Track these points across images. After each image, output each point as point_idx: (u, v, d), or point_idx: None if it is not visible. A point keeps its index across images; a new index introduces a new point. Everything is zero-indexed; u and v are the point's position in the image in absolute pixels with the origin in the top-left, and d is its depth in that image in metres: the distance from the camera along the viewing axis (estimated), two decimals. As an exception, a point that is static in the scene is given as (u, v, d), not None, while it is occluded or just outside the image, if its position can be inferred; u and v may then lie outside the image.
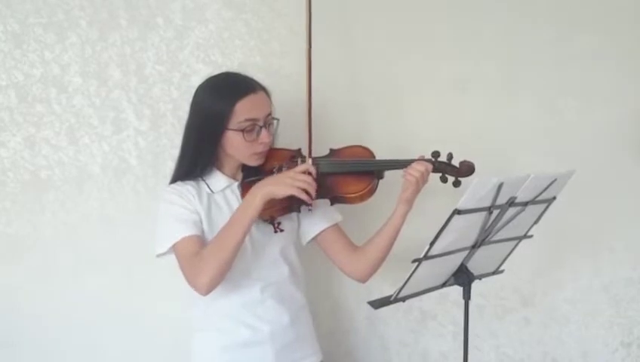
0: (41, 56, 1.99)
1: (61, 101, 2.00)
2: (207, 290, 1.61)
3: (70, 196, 2.03)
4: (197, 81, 2.01)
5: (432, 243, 1.53)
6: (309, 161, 1.70)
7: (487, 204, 1.52)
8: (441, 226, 1.50)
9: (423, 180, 1.69)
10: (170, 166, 2.01)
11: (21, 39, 1.97)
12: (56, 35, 1.99)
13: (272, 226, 1.76)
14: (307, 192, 1.60)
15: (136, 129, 2.05)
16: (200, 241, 1.66)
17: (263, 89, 1.74)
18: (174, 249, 1.67)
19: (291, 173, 1.62)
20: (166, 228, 1.69)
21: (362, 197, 1.73)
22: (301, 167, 1.65)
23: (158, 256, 1.70)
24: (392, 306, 2.04)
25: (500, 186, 1.49)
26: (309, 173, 1.64)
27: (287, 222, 1.79)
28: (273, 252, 1.76)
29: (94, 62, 2.01)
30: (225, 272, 1.61)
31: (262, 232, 1.75)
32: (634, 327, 2.33)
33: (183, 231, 1.66)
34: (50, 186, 2.02)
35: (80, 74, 2.00)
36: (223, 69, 1.94)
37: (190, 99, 1.79)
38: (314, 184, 1.62)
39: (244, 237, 1.60)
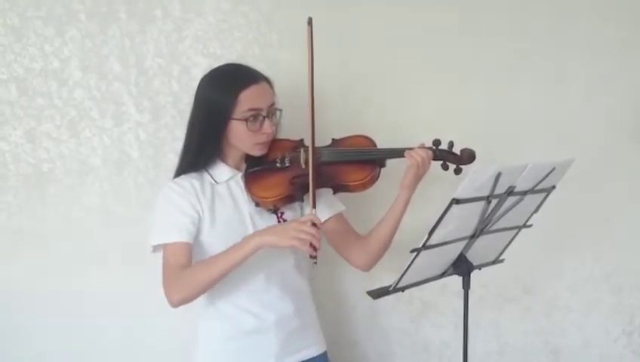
0: (41, 49, 1.99)
1: (62, 94, 2.01)
2: (175, 305, 1.65)
3: (72, 189, 2.04)
4: (197, 73, 2.02)
5: (430, 233, 1.53)
6: (314, 211, 1.62)
7: (486, 193, 1.52)
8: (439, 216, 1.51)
9: (423, 166, 1.70)
10: (171, 158, 2.03)
11: (21, 33, 1.98)
12: (56, 29, 1.99)
13: (275, 216, 1.78)
14: (312, 245, 1.56)
15: (136, 121, 2.05)
16: (188, 250, 1.68)
17: (266, 79, 1.75)
18: (163, 251, 1.70)
19: (295, 224, 1.58)
20: (159, 228, 1.71)
21: (365, 185, 1.74)
22: (305, 218, 1.61)
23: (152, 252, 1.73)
24: (393, 297, 2.05)
25: (498, 176, 1.49)
26: (314, 224, 1.58)
27: (291, 212, 1.81)
28: None
29: (94, 56, 2.01)
30: (197, 295, 1.65)
31: (265, 222, 1.76)
32: (635, 316, 2.33)
33: (174, 236, 1.68)
34: (51, 179, 2.02)
35: (80, 67, 2.01)
36: (222, 61, 1.94)
37: (190, 91, 1.79)
38: (318, 236, 1.57)
39: (224, 274, 1.61)
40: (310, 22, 1.70)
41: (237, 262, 1.59)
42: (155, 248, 1.71)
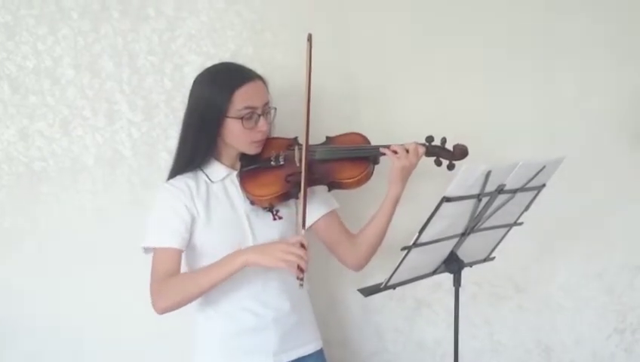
0: (33, 47, 1.99)
1: (54, 93, 2.01)
2: (160, 313, 1.67)
3: (64, 188, 2.04)
4: (189, 71, 2.02)
5: (421, 231, 1.54)
6: (302, 231, 1.62)
7: (476, 191, 1.53)
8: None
9: (407, 158, 1.71)
10: (164, 156, 2.04)
11: (13, 31, 1.98)
12: (48, 27, 1.99)
13: (270, 214, 1.78)
14: (299, 267, 1.56)
15: (129, 120, 2.05)
16: (177, 257, 1.70)
17: (261, 78, 1.76)
18: (153, 253, 1.71)
19: (284, 245, 1.59)
20: (152, 230, 1.72)
21: (359, 182, 1.76)
22: (294, 239, 1.60)
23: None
24: (386, 295, 2.06)
25: (489, 174, 1.49)
26: (302, 246, 1.58)
27: (285, 209, 1.81)
28: (273, 239, 1.76)
29: (87, 54, 2.01)
30: (181, 306, 1.67)
31: (261, 220, 1.77)
32: (627, 314, 2.34)
33: (166, 240, 1.69)
34: (44, 178, 2.02)
35: (72, 65, 2.01)
36: (215, 60, 1.95)
37: (183, 90, 1.79)
38: (306, 257, 1.56)
39: (209, 288, 1.63)
40: (310, 38, 1.71)
41: (222, 278, 1.62)
42: (147, 249, 1.72)
